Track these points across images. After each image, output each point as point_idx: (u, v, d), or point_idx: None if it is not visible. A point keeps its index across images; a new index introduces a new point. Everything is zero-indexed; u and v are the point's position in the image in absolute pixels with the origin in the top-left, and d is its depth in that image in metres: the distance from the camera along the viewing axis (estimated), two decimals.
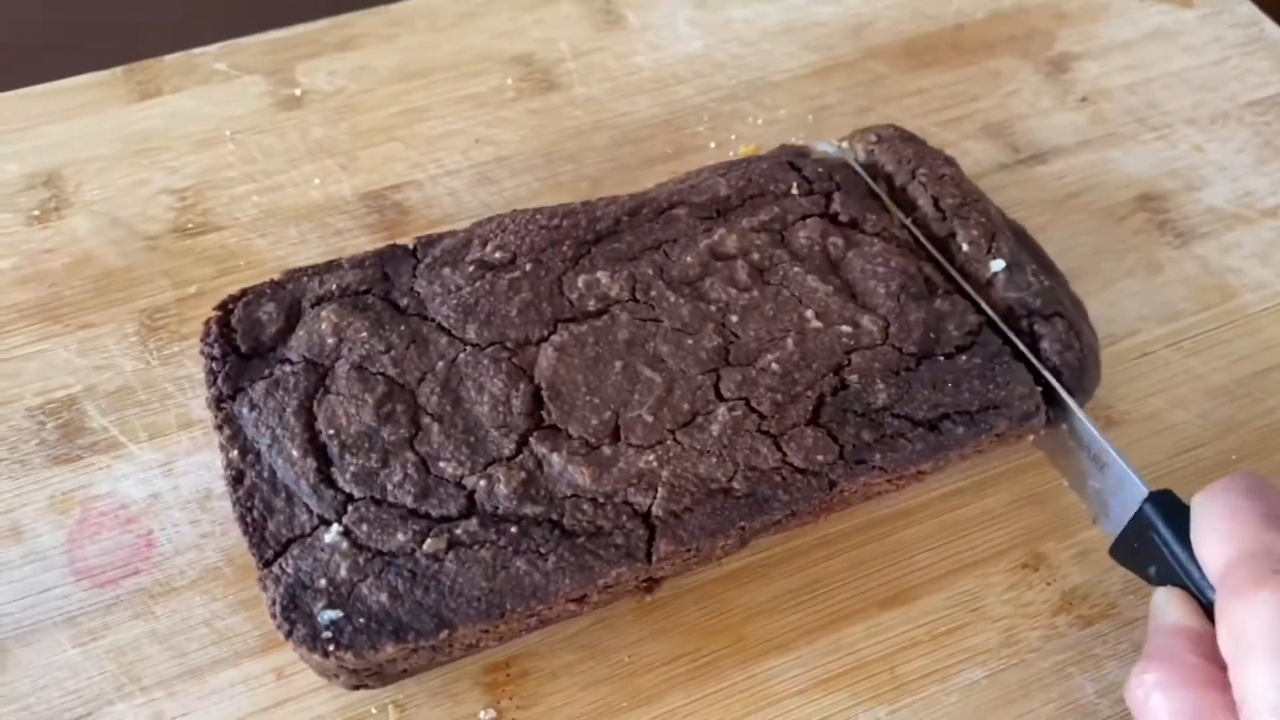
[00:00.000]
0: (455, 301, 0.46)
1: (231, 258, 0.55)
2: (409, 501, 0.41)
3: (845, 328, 0.46)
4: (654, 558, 0.41)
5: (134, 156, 0.58)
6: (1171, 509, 0.40)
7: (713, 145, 0.60)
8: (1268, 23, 0.68)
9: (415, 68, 0.63)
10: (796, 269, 0.48)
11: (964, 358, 0.46)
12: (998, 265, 0.48)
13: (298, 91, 0.61)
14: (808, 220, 0.50)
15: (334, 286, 0.47)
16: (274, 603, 0.40)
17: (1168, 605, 0.39)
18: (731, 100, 0.62)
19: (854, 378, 0.45)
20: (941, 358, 0.46)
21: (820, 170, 0.52)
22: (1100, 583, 0.46)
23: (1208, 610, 0.37)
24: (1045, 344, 0.47)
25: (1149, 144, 0.61)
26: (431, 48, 0.64)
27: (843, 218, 0.50)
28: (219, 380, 0.44)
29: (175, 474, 0.48)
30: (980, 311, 0.48)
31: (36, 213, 0.56)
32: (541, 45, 0.65)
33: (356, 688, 0.42)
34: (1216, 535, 0.36)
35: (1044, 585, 0.46)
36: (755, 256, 0.49)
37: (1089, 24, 0.67)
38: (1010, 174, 0.60)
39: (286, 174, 0.58)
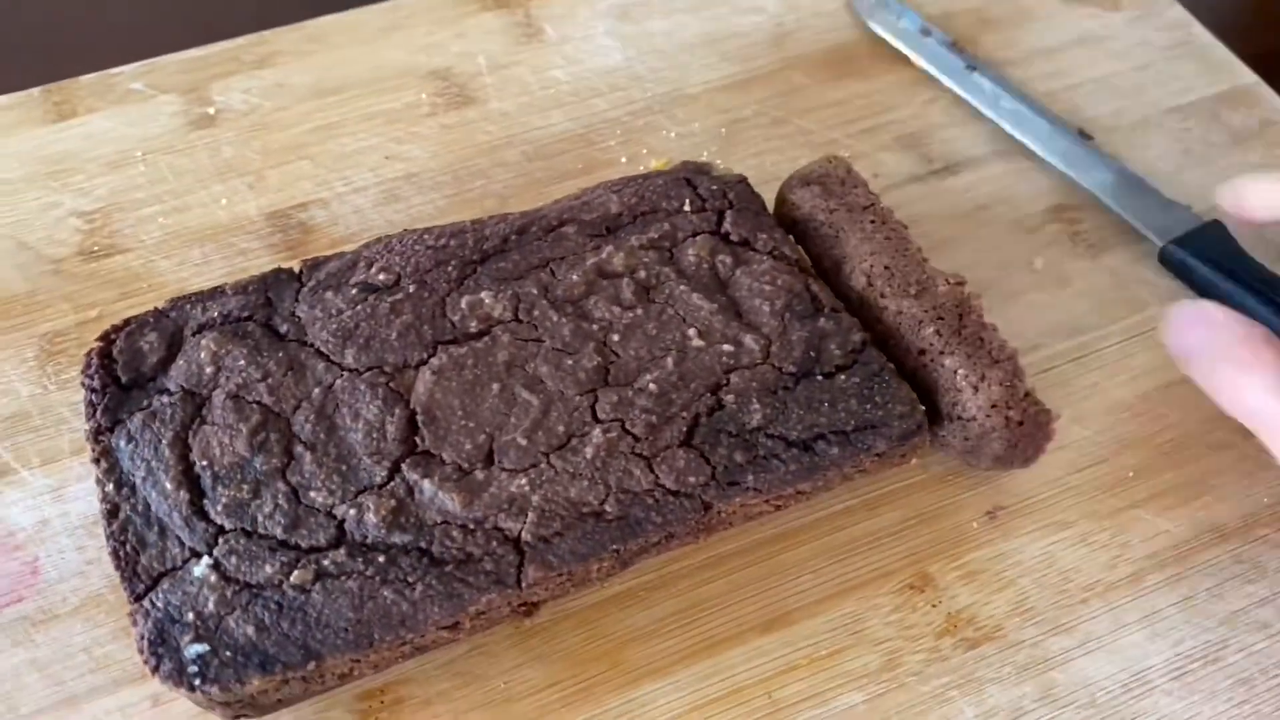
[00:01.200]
0: (335, 326, 0.46)
1: (135, 280, 0.55)
2: (279, 532, 0.41)
3: (727, 347, 0.46)
4: (524, 584, 0.41)
5: (45, 179, 0.58)
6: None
7: (624, 160, 0.60)
8: (1196, 26, 0.67)
9: (331, 84, 0.63)
10: (682, 287, 0.48)
11: (843, 377, 0.46)
12: None
13: (211, 110, 0.61)
14: (697, 238, 0.50)
15: (216, 314, 0.47)
16: (142, 638, 0.40)
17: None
18: (646, 114, 0.62)
19: (730, 398, 0.45)
20: (820, 377, 0.46)
21: (715, 188, 0.52)
22: (987, 604, 0.46)
23: None
24: None
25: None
26: (349, 63, 0.64)
27: (734, 236, 0.50)
28: (98, 413, 0.44)
29: (65, 500, 0.48)
30: (867, 328, 0.48)
31: None
32: (460, 59, 0.64)
33: (236, 718, 0.42)
34: None
35: (929, 607, 0.46)
36: (642, 274, 0.48)
37: (1013, 30, 0.67)
38: (922, 186, 0.59)
39: (194, 194, 0.58)
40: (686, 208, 0.51)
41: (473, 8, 0.67)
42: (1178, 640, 0.46)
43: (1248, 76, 0.65)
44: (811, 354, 0.46)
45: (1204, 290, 0.54)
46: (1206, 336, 0.40)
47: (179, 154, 0.60)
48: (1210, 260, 0.54)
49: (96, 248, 0.56)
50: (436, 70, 0.64)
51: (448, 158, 0.60)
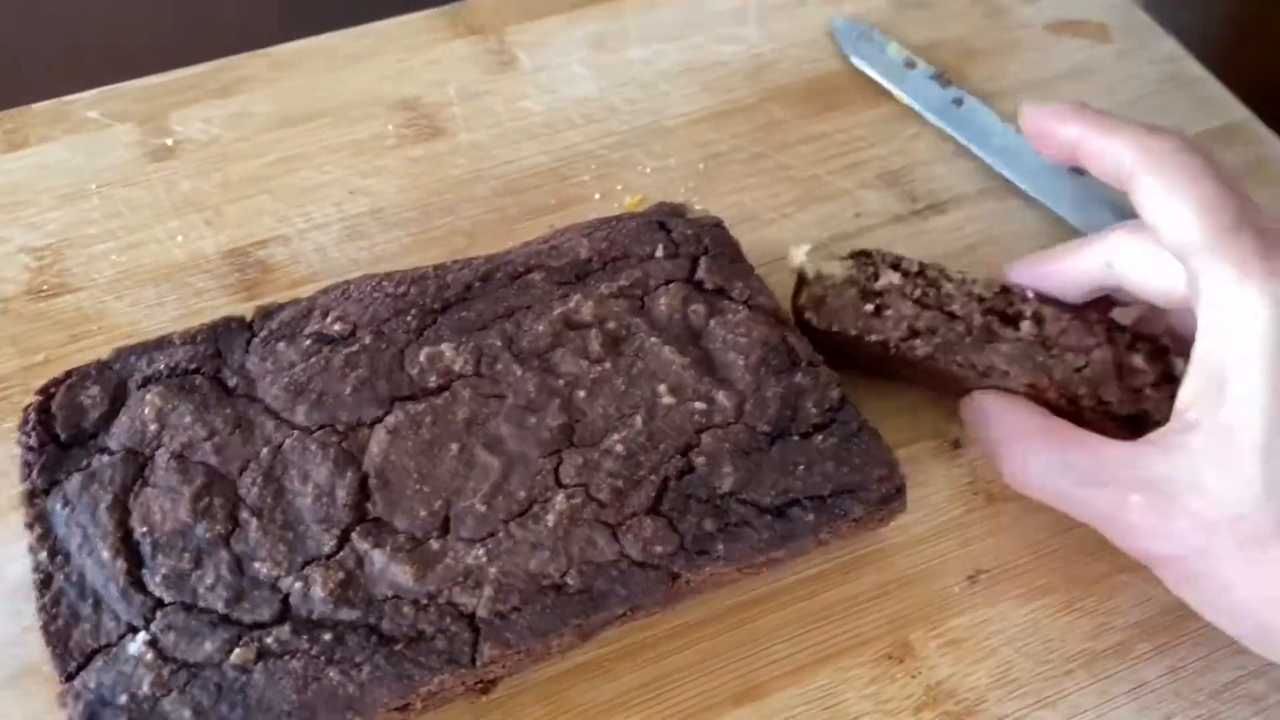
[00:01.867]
0: (286, 380, 0.44)
1: (85, 322, 0.53)
2: (220, 606, 0.39)
3: (699, 404, 0.44)
4: (479, 662, 0.39)
5: None
6: None
7: (598, 196, 0.58)
8: (1188, 59, 0.66)
9: (296, 113, 0.61)
10: (654, 339, 0.46)
11: (820, 437, 0.44)
12: None
13: (170, 141, 0.59)
14: (670, 285, 0.48)
15: (163, 366, 0.45)
16: None
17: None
18: (622, 147, 0.60)
19: (701, 460, 0.43)
20: (796, 437, 0.44)
21: (689, 232, 0.50)
22: (969, 675, 0.44)
23: None
24: None
25: None
26: (315, 91, 0.62)
27: (708, 284, 0.48)
28: (34, 473, 0.42)
29: (0, 561, 0.45)
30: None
31: None
32: (429, 88, 0.62)
33: None
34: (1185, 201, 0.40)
35: (908, 678, 0.44)
36: (611, 325, 0.46)
37: (1001, 61, 0.65)
38: (905, 226, 0.57)
39: (149, 230, 0.56)
40: (659, 253, 0.49)
41: (444, 34, 0.65)
42: (1168, 714, 0.44)
43: (1241, 112, 0.63)
44: (787, 412, 0.44)
45: None
46: (987, 432, 0.44)
47: (135, 187, 0.57)
48: None
49: (45, 286, 0.54)
50: (405, 99, 0.62)
51: (414, 192, 0.58)
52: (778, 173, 0.59)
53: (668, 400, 0.44)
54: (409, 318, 0.46)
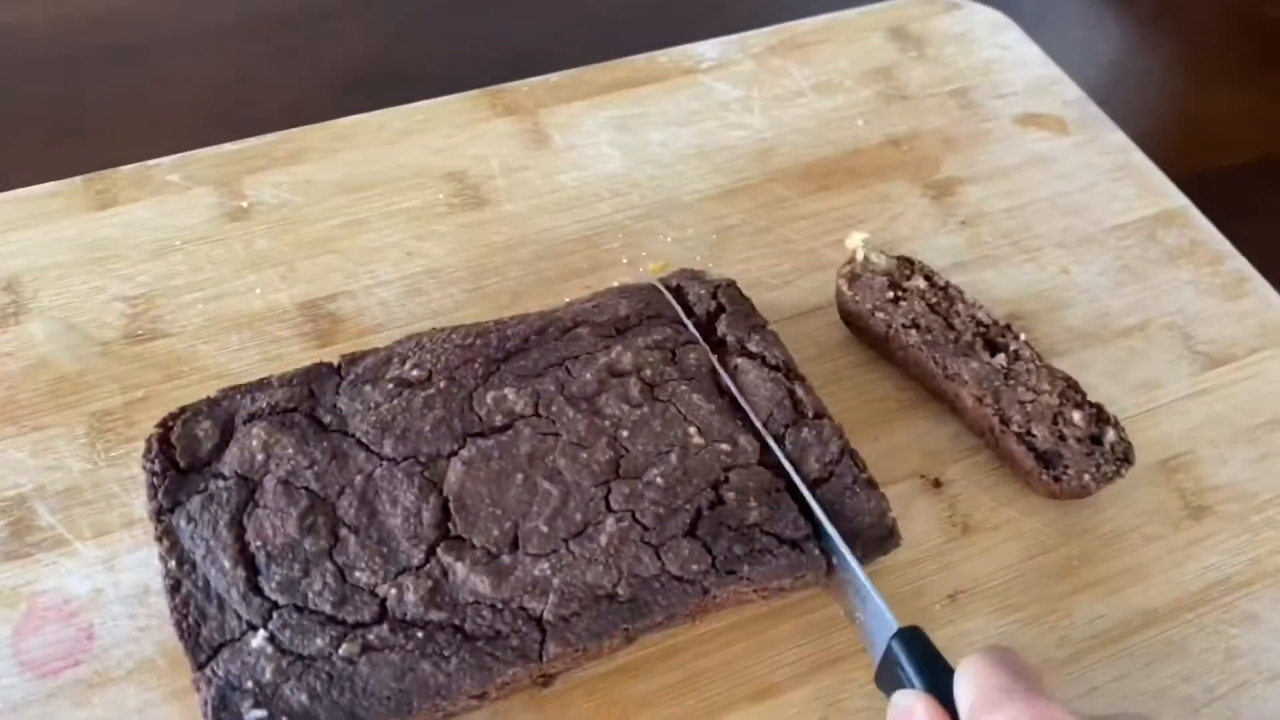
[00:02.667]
0: (374, 418, 0.51)
1: (178, 363, 0.60)
2: (327, 608, 0.46)
3: (724, 446, 0.52)
4: (545, 658, 0.46)
5: (90, 264, 0.63)
6: (917, 644, 0.45)
7: (625, 261, 0.66)
8: (1135, 151, 0.75)
9: (356, 181, 0.69)
10: (684, 387, 0.54)
11: (820, 490, 0.51)
12: None
13: (245, 204, 0.67)
14: (696, 343, 0.56)
15: (264, 404, 0.52)
16: (206, 703, 0.44)
17: (915, 705, 0.43)
18: (645, 218, 0.68)
19: (731, 494, 0.50)
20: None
21: (703, 291, 0.58)
22: None
23: None
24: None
25: (1020, 266, 0.68)
26: (373, 162, 0.70)
27: (729, 339, 0.56)
28: (159, 494, 0.49)
29: (117, 570, 0.52)
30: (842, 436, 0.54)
31: None
32: (474, 162, 0.70)
33: None
34: (966, 681, 0.41)
35: None
36: (648, 373, 0.54)
37: (974, 150, 0.74)
38: None
39: (231, 283, 0.63)
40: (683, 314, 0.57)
41: (486, 114, 0.73)
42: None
43: (1179, 199, 0.73)
44: (793, 463, 0.52)
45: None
46: None
47: (215, 244, 0.65)
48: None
49: (141, 331, 0.61)
50: (453, 172, 0.70)
51: (464, 255, 0.66)
52: (780, 245, 0.68)
53: (697, 441, 0.52)
54: (476, 365, 0.54)
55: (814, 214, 0.70)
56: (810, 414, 0.54)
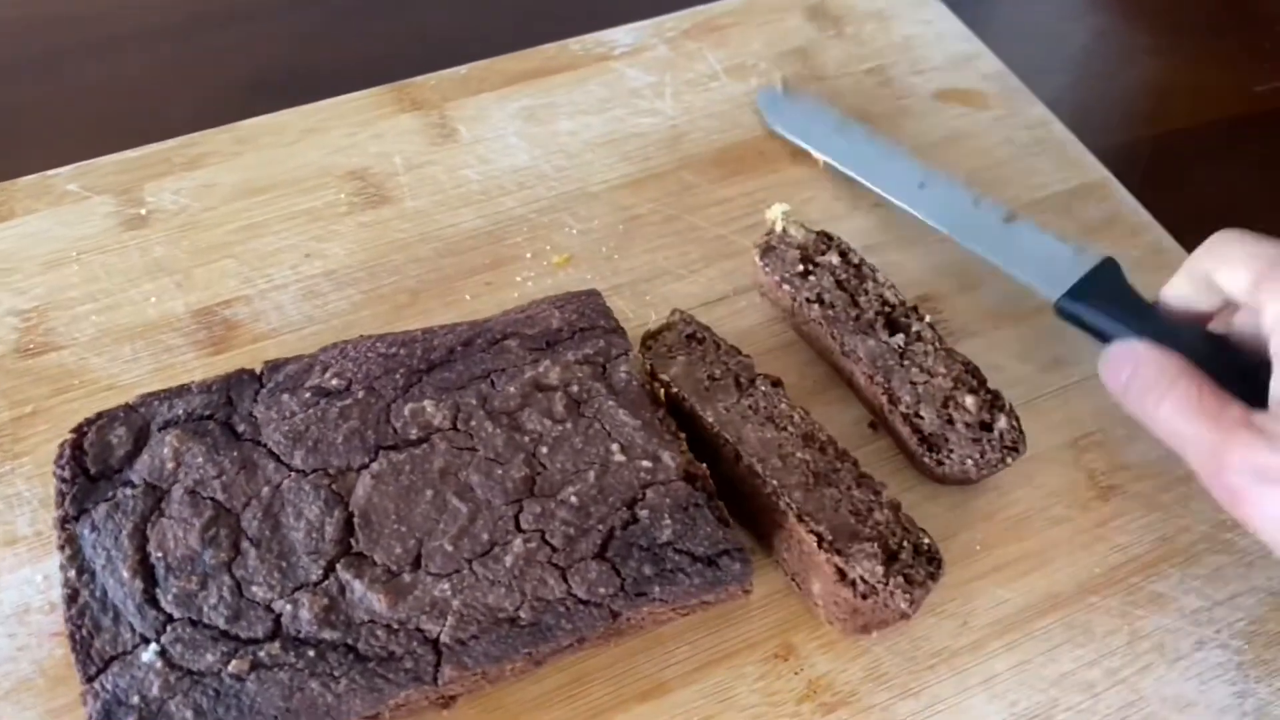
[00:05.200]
0: (287, 428, 0.51)
1: (68, 377, 0.59)
2: (221, 623, 0.46)
3: (645, 462, 0.51)
4: (440, 681, 0.46)
5: None
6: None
7: (529, 255, 0.65)
8: (1055, 124, 0.74)
9: (257, 184, 0.68)
10: (611, 403, 0.53)
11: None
12: None
13: (144, 211, 0.66)
14: (628, 355, 0.55)
15: (181, 411, 0.51)
16: (90, 718, 0.44)
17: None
18: (551, 211, 0.67)
19: (644, 513, 0.50)
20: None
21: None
22: (844, 671, 0.52)
23: None
24: None
25: (933, 245, 0.67)
26: (274, 164, 0.69)
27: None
28: (65, 501, 0.49)
29: None
30: None
31: None
32: (377, 159, 0.69)
33: None
34: (1241, 255, 0.48)
35: (792, 674, 0.51)
36: (575, 389, 0.53)
37: (890, 128, 0.73)
38: None
39: (126, 293, 0.62)
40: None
41: (390, 110, 0.72)
42: (1013, 701, 0.51)
43: (1099, 171, 0.72)
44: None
45: (1104, 336, 0.56)
46: (1132, 372, 0.49)
47: (112, 253, 0.64)
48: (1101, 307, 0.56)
49: (32, 345, 0.60)
50: (355, 170, 0.69)
51: (363, 255, 0.65)
52: (688, 233, 0.67)
53: (619, 458, 0.51)
54: (398, 376, 0.53)
55: (724, 200, 0.68)
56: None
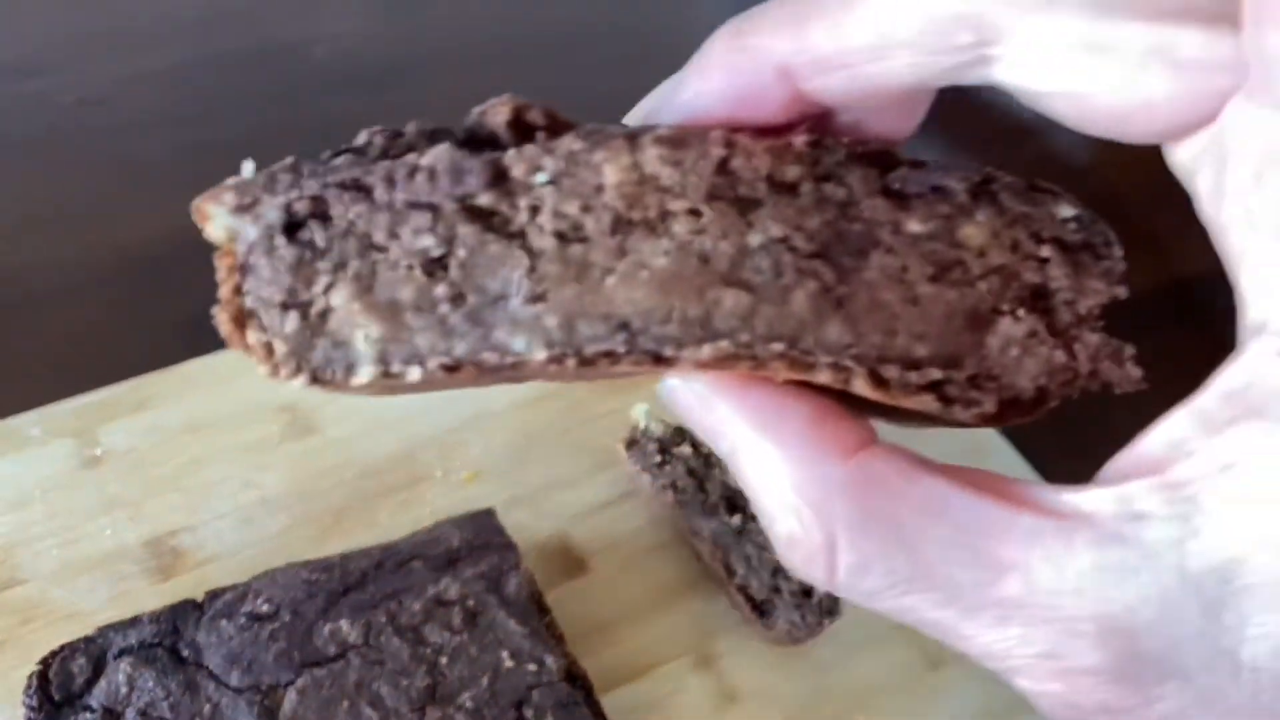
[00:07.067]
0: (225, 650, 0.59)
1: (32, 608, 0.67)
2: None
3: (531, 666, 0.60)
4: None
5: None
6: None
7: (439, 474, 0.75)
8: None
9: (199, 421, 0.77)
10: (502, 613, 0.62)
11: None
12: None
13: (99, 451, 0.74)
14: (519, 568, 0.64)
15: (134, 640, 0.60)
16: None
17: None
18: (457, 430, 0.77)
19: (530, 712, 0.58)
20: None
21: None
22: None
23: None
24: None
25: None
26: (214, 401, 0.78)
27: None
28: None
29: None
30: None
31: None
32: (305, 393, 0.79)
33: None
34: None
35: None
36: (471, 602, 0.62)
37: None
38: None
39: (84, 527, 0.71)
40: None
41: None
42: None
43: None
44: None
45: None
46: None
47: (71, 491, 0.72)
48: None
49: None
50: (285, 404, 0.78)
51: (293, 481, 0.74)
52: (579, 445, 0.77)
53: (509, 664, 0.60)
54: (319, 599, 0.62)
55: (609, 413, 0.79)
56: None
